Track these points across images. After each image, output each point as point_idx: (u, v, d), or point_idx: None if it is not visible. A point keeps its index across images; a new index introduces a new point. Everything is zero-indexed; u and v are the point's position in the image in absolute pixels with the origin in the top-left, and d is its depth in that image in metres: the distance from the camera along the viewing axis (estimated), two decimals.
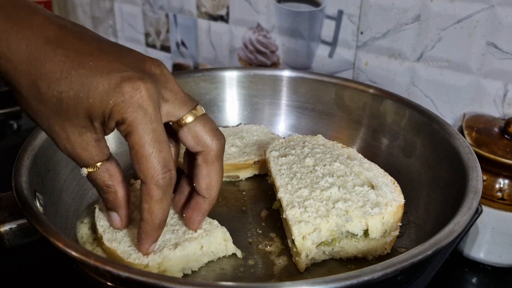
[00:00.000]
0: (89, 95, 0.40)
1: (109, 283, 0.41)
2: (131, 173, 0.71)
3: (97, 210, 0.57)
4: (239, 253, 0.55)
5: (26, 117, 0.44)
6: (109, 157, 0.46)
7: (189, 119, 0.46)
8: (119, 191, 0.47)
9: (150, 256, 0.50)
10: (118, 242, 0.52)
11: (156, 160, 0.42)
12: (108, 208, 0.50)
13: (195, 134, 0.46)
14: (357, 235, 0.52)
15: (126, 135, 0.42)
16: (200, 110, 0.47)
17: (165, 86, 0.45)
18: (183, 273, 0.52)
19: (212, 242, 0.53)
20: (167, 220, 0.55)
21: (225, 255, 0.55)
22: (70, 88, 0.40)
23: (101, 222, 0.55)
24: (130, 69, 0.41)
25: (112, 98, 0.40)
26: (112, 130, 0.44)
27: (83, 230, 0.58)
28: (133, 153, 0.42)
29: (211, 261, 0.55)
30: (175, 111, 0.45)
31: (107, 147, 0.46)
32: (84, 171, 0.45)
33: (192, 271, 0.53)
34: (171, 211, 0.57)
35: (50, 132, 0.43)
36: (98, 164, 0.45)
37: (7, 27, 0.39)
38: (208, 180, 0.48)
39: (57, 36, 0.40)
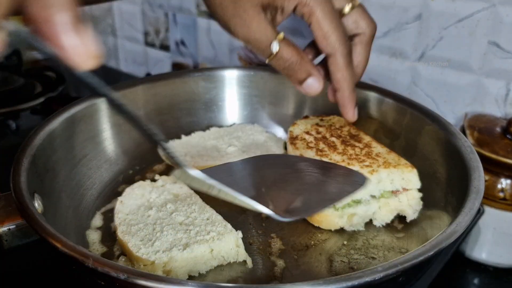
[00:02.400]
0: None
1: (108, 285, 0.41)
2: (130, 173, 0.71)
3: (118, 203, 0.58)
4: (249, 262, 0.54)
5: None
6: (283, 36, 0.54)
7: (347, 9, 0.57)
8: (305, 55, 0.56)
9: (157, 254, 0.50)
10: (131, 235, 0.53)
11: (339, 33, 0.54)
12: (303, 79, 0.56)
13: (355, 20, 0.58)
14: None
15: (309, 15, 0.53)
16: (357, 0, 0.58)
17: None
18: (189, 275, 0.52)
19: (223, 246, 0.53)
20: (182, 219, 0.56)
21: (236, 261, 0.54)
22: None
23: (120, 215, 0.56)
24: None
25: None
26: (286, 15, 0.55)
27: (94, 235, 0.58)
28: (317, 30, 0.54)
29: (221, 266, 0.54)
30: (339, 1, 0.57)
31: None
32: (276, 46, 0.54)
33: (199, 273, 0.52)
34: (188, 210, 0.57)
35: (232, 18, 0.54)
36: (276, 46, 0.54)
37: None
38: (360, 58, 0.59)
39: None
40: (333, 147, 0.63)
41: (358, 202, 0.58)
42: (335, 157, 0.60)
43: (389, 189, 0.58)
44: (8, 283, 0.58)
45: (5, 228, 0.48)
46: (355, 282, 0.37)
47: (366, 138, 0.65)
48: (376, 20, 0.81)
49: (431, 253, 0.41)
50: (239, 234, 0.54)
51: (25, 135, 0.58)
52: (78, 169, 0.64)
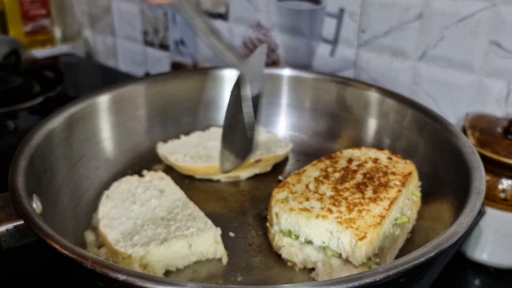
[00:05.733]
0: None
1: (107, 286, 0.40)
2: (129, 174, 0.70)
3: (104, 196, 0.59)
4: (225, 259, 0.54)
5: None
6: None
7: None
8: None
9: (135, 248, 0.50)
10: (112, 229, 0.54)
11: None
12: None
13: None
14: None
15: None
16: None
17: None
18: (166, 270, 0.52)
19: (202, 242, 0.53)
20: (164, 215, 0.56)
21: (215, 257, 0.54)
22: None
23: (103, 208, 0.57)
24: None
25: None
26: None
27: (92, 236, 0.58)
28: None
29: (200, 261, 0.54)
30: None
31: None
32: None
33: (177, 268, 0.52)
34: (171, 205, 0.57)
35: None
36: None
37: None
38: None
39: None
40: (343, 180, 0.57)
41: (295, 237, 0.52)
42: (324, 189, 0.55)
43: (334, 248, 0.50)
44: (6, 284, 0.57)
45: (3, 229, 0.48)
46: (356, 284, 0.37)
47: (391, 194, 0.54)
48: (377, 20, 0.81)
49: (432, 254, 0.41)
50: (218, 231, 0.54)
51: (23, 135, 0.57)
52: (77, 169, 0.64)
